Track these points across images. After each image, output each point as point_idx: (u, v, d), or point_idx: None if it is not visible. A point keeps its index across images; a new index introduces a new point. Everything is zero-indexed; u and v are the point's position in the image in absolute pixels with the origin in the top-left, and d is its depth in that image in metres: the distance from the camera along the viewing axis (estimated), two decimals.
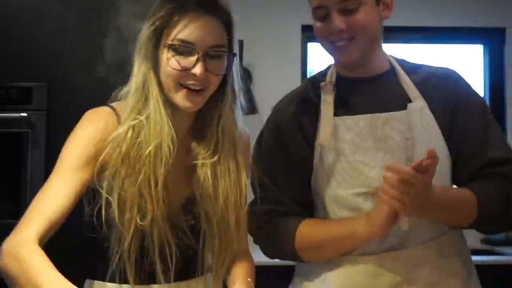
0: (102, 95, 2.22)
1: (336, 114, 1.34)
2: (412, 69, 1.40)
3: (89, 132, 1.16)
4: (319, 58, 3.59)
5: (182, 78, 1.14)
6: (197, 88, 1.15)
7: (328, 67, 1.45)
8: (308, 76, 3.35)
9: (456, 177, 1.35)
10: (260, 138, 1.45)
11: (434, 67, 1.44)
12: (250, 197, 1.33)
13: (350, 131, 1.32)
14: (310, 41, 3.40)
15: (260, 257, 2.01)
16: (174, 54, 1.14)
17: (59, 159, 1.15)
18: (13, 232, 1.07)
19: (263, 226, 1.39)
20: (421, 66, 1.44)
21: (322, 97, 1.36)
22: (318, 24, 1.32)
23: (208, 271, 1.28)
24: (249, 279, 1.25)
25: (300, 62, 3.36)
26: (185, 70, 1.13)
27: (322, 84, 1.37)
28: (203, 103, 1.21)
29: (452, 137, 1.33)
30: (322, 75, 1.43)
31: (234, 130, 1.25)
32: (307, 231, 1.33)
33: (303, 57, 3.39)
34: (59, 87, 2.39)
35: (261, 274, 1.53)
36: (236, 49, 1.24)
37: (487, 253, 2.96)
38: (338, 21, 1.25)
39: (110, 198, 1.14)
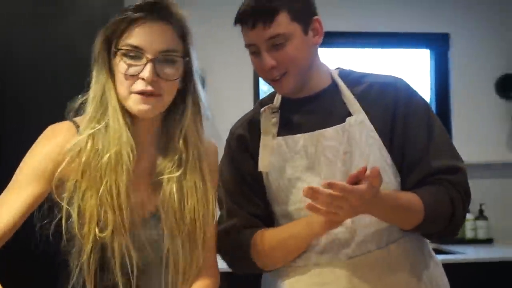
0: (52, 95, 2.26)
1: (280, 134, 1.36)
2: (355, 81, 1.40)
3: (47, 148, 1.16)
4: None
5: (132, 84, 1.13)
6: (148, 93, 1.14)
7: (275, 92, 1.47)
8: (260, 80, 3.42)
9: (403, 185, 1.34)
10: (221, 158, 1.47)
11: (378, 76, 1.44)
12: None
13: (291, 151, 1.34)
14: None
15: None
16: (123, 59, 1.13)
17: (15, 173, 1.15)
18: None
19: (224, 244, 1.40)
20: (365, 76, 1.43)
21: (262, 122, 1.39)
22: (253, 60, 1.33)
23: (172, 286, 1.24)
24: None
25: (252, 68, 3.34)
26: (134, 76, 1.12)
27: (261, 110, 1.40)
28: (160, 110, 1.20)
29: (394, 146, 1.33)
30: (270, 98, 1.45)
31: (198, 143, 1.24)
32: (258, 239, 1.35)
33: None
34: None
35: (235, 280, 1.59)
36: (193, 57, 1.23)
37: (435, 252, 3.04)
38: (268, 59, 1.27)
39: (70, 210, 1.13)
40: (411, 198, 1.24)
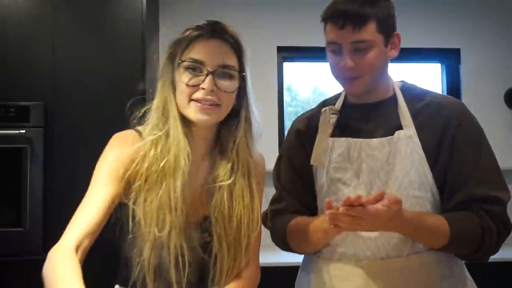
0: (96, 110, 2.40)
1: (333, 135, 1.39)
2: (415, 97, 1.39)
3: (118, 153, 1.19)
4: (293, 77, 3.70)
5: (193, 93, 1.18)
6: (208, 103, 1.17)
7: (339, 94, 1.49)
8: (285, 96, 3.55)
9: (442, 206, 1.33)
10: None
11: (437, 96, 1.42)
12: None
13: (337, 152, 1.37)
14: (285, 61, 3.48)
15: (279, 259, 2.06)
16: (186, 71, 1.18)
17: (92, 177, 1.19)
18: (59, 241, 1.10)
19: (269, 224, 1.47)
20: (426, 94, 1.41)
21: (320, 121, 1.42)
22: (330, 57, 1.35)
23: (216, 284, 1.27)
24: None
25: (276, 81, 3.41)
26: (195, 86, 1.17)
27: (323, 109, 1.43)
28: (217, 121, 1.24)
29: (438, 165, 1.31)
30: (333, 99, 1.49)
31: (248, 156, 1.27)
32: (293, 226, 1.41)
33: (279, 76, 3.42)
34: (55, 104, 2.48)
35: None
36: (247, 75, 1.27)
37: None
38: (349, 60, 1.28)
39: (136, 210, 1.17)
40: (437, 221, 1.24)
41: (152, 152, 1.18)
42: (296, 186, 1.47)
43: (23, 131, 2.43)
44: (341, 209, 1.10)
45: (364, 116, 1.39)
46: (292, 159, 1.48)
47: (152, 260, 1.19)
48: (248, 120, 1.27)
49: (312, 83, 4.00)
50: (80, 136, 2.40)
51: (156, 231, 1.16)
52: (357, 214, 1.10)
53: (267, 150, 1.47)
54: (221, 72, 1.19)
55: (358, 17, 1.26)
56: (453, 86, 3.54)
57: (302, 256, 1.55)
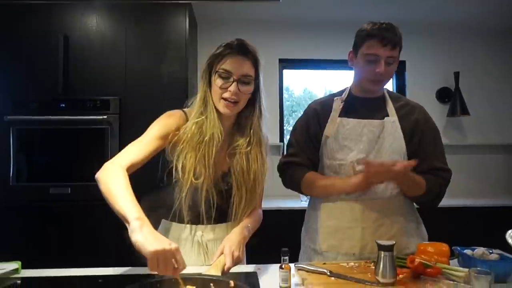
0: (155, 102, 2.46)
1: (341, 115, 1.45)
2: (396, 98, 1.49)
3: (167, 121, 1.24)
4: (291, 82, 3.71)
5: (223, 93, 1.22)
6: (232, 101, 1.22)
7: (345, 89, 1.53)
8: (284, 94, 3.49)
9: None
10: (297, 119, 1.57)
11: (409, 100, 1.52)
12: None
13: (345, 127, 1.43)
14: (284, 69, 3.42)
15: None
16: (219, 78, 1.22)
17: (145, 132, 1.22)
18: (112, 159, 1.13)
19: (283, 172, 1.54)
20: (401, 97, 1.53)
21: (333, 106, 1.48)
22: (366, 64, 1.38)
23: (235, 219, 1.31)
24: (249, 225, 1.29)
25: (278, 83, 3.37)
26: (225, 88, 1.21)
27: (335, 98, 1.49)
28: (237, 112, 1.28)
29: (411, 143, 1.42)
30: (339, 93, 1.53)
31: (259, 133, 1.31)
32: (308, 177, 1.46)
33: (280, 80, 3.39)
34: (127, 98, 2.54)
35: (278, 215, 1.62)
36: (261, 79, 1.29)
37: None
38: (384, 69, 1.34)
39: (177, 164, 1.21)
40: (420, 180, 1.37)
41: (194, 128, 1.22)
42: (309, 147, 1.50)
43: (105, 117, 2.50)
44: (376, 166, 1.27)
45: (364, 105, 1.46)
46: (309, 129, 1.50)
47: (188, 198, 1.23)
48: (260, 110, 1.31)
49: (303, 86, 4.05)
50: (144, 120, 2.38)
51: (193, 179, 1.21)
52: (393, 170, 1.25)
53: (271, 130, 1.50)
54: (243, 80, 1.23)
55: (395, 41, 1.34)
56: (401, 87, 3.50)
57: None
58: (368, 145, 1.41)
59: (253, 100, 1.29)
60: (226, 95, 1.22)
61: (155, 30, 2.61)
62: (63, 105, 2.50)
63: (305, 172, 1.49)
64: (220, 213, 1.29)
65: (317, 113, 1.51)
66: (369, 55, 1.36)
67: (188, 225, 1.28)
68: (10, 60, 2.51)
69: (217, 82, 1.23)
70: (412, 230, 1.45)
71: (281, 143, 3.26)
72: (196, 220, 1.28)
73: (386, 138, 1.41)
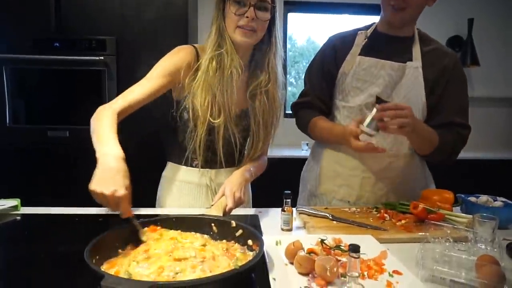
0: (153, 41, 2.36)
1: (361, 53, 1.33)
2: (426, 42, 1.35)
3: (175, 58, 1.18)
4: (294, 30, 3.49)
5: (239, 21, 1.14)
6: (249, 28, 1.14)
7: (372, 24, 1.40)
8: (287, 43, 3.34)
9: (426, 121, 1.32)
10: (315, 54, 1.47)
11: (442, 45, 1.39)
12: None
13: (360, 66, 1.32)
14: (289, 12, 3.26)
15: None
16: (234, 4, 1.14)
17: (152, 69, 1.17)
18: (109, 102, 1.10)
19: (295, 114, 1.49)
20: (433, 41, 1.37)
21: (356, 41, 1.36)
22: None
23: (244, 162, 1.30)
24: (251, 168, 1.26)
25: (282, 29, 3.21)
26: (241, 15, 1.13)
27: (358, 32, 1.37)
28: (255, 42, 1.19)
29: (432, 96, 1.31)
30: (365, 28, 1.40)
31: (276, 70, 1.25)
32: (313, 122, 1.41)
33: (284, 27, 3.23)
34: (124, 38, 2.42)
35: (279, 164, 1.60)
36: (277, 7, 1.20)
37: None
38: None
39: (194, 102, 1.17)
40: (434, 134, 1.26)
41: (211, 64, 1.16)
42: (322, 85, 1.41)
43: (102, 57, 2.40)
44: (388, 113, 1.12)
45: (388, 44, 1.33)
46: (324, 64, 1.41)
47: (203, 140, 1.20)
48: (276, 45, 1.24)
49: (306, 35, 3.79)
50: (142, 62, 2.37)
51: (210, 119, 1.17)
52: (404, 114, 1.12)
53: None
54: (260, 4, 1.14)
55: None
56: None
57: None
58: (382, 89, 1.30)
59: (269, 32, 1.21)
60: (242, 22, 1.14)
61: None
62: (57, 44, 2.40)
63: (314, 115, 1.43)
64: (229, 156, 1.27)
65: (335, 49, 1.40)
66: None
67: (199, 169, 1.26)
68: None
69: (232, 8, 1.14)
70: (417, 184, 1.39)
71: (283, 91, 3.17)
72: (209, 164, 1.27)
73: (404, 85, 1.30)
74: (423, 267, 0.82)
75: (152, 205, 1.38)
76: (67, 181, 2.47)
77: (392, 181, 1.36)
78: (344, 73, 1.36)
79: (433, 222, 1.09)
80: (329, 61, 1.40)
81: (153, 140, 1.66)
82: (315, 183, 1.46)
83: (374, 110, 1.13)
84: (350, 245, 0.63)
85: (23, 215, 1.21)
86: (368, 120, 1.15)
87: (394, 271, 0.81)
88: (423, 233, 1.02)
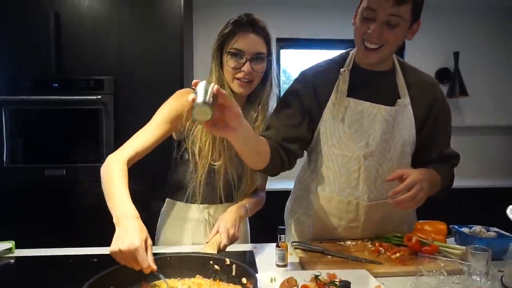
0: (150, 82, 2.42)
1: (348, 94, 1.20)
2: (409, 71, 1.26)
3: (176, 103, 1.19)
4: (288, 64, 3.58)
5: (236, 73, 1.18)
6: (246, 80, 1.18)
7: (347, 53, 1.27)
8: (282, 76, 3.37)
9: (417, 158, 1.28)
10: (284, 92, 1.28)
11: (424, 73, 1.29)
12: None
13: (353, 111, 1.19)
14: (282, 49, 3.36)
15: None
16: (231, 58, 1.18)
17: (154, 115, 1.18)
18: (115, 151, 1.10)
19: None
20: (414, 69, 1.28)
21: (341, 79, 1.20)
22: (361, 22, 1.12)
23: (239, 197, 1.31)
24: (247, 204, 1.27)
25: (277, 66, 3.35)
26: (238, 68, 1.17)
27: (342, 70, 1.20)
28: (251, 91, 1.24)
29: (423, 130, 1.25)
30: (342, 58, 1.26)
31: (266, 109, 1.27)
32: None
33: (277, 60, 3.23)
34: (122, 78, 2.47)
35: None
36: (273, 55, 1.23)
37: None
38: (379, 29, 1.07)
39: (194, 147, 1.20)
40: (438, 178, 1.19)
41: None
42: (292, 126, 1.20)
43: (99, 97, 2.45)
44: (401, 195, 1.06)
45: (370, 82, 1.21)
46: (303, 100, 1.22)
47: (203, 180, 1.23)
48: (271, 87, 1.28)
49: (301, 68, 3.90)
50: (139, 100, 2.42)
51: (211, 162, 1.20)
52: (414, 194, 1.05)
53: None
54: (256, 58, 1.18)
55: None
56: None
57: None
58: (379, 135, 1.20)
59: (265, 77, 1.25)
60: (239, 75, 1.18)
61: (150, 8, 2.53)
62: (56, 84, 2.45)
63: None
64: (228, 193, 1.29)
65: (314, 86, 1.23)
66: (366, 9, 1.08)
67: (198, 205, 1.28)
68: (0, 39, 2.45)
69: (230, 62, 1.19)
70: (410, 218, 1.39)
71: None
72: (209, 200, 1.28)
73: (397, 127, 1.21)
74: None
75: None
76: (64, 219, 2.46)
77: (390, 223, 1.32)
78: (332, 117, 1.21)
79: (427, 255, 1.09)
80: (308, 100, 1.22)
81: (151, 177, 1.65)
82: (304, 236, 1.36)
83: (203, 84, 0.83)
84: (341, 281, 0.64)
85: (17, 258, 1.19)
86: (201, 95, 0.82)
87: None
88: (418, 266, 1.02)
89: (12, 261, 1.18)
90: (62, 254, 1.21)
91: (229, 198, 1.31)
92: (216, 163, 1.21)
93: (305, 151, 1.34)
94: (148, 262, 0.82)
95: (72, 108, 2.46)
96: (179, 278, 0.91)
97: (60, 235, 2.39)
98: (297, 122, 1.21)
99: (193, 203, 1.28)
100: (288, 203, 1.49)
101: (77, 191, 2.46)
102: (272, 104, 1.30)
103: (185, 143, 1.24)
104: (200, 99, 0.78)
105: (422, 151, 1.28)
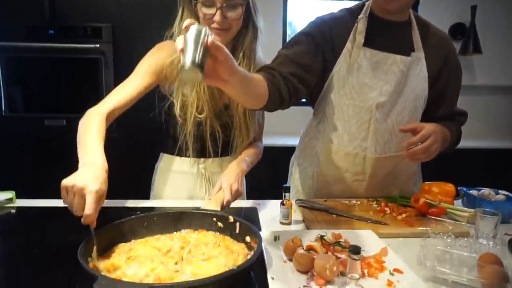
0: (148, 28, 2.31)
1: (364, 43, 1.17)
2: (423, 25, 1.23)
3: (156, 55, 1.16)
4: (294, 16, 3.38)
5: (209, 23, 1.11)
6: (221, 28, 1.12)
7: (363, 3, 1.23)
8: (288, 28, 3.18)
9: (425, 114, 1.26)
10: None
11: (438, 29, 1.27)
12: None
13: (368, 60, 1.17)
14: None
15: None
16: (202, 6, 1.11)
17: (134, 70, 1.15)
18: (97, 105, 1.07)
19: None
20: (429, 24, 1.26)
21: (358, 27, 1.17)
22: None
23: (236, 151, 1.29)
24: (247, 158, 1.24)
25: (281, 20, 3.12)
26: (210, 19, 1.11)
27: (359, 17, 1.18)
28: (230, 39, 1.17)
29: (435, 86, 1.23)
30: (358, 8, 1.23)
31: (254, 56, 1.21)
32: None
33: (284, 14, 3.12)
34: (120, 26, 2.37)
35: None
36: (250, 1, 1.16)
37: None
38: None
39: (177, 101, 1.17)
40: (448, 133, 1.19)
41: None
42: (303, 60, 1.14)
43: (98, 45, 2.34)
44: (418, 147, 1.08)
45: (389, 32, 1.19)
46: (318, 43, 1.18)
47: (191, 133, 1.20)
48: (253, 31, 1.20)
49: (308, 20, 3.72)
50: (139, 49, 2.27)
51: (196, 114, 1.17)
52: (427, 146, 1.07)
53: None
54: (228, 4, 1.10)
55: None
56: None
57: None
58: (393, 86, 1.18)
59: (246, 21, 1.18)
60: (214, 25, 1.11)
61: None
62: (52, 31, 2.34)
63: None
64: (224, 146, 1.27)
65: (331, 32, 1.19)
66: None
67: (191, 158, 1.27)
68: None
69: (201, 12, 1.12)
70: (417, 177, 1.38)
71: None
72: (200, 153, 1.27)
73: (410, 80, 1.20)
74: (425, 266, 0.80)
75: (145, 197, 1.37)
76: (64, 171, 2.46)
77: (397, 178, 1.31)
78: (347, 65, 1.19)
79: (433, 217, 1.07)
80: (324, 44, 1.18)
81: (145, 132, 1.62)
82: (311, 186, 1.35)
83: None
84: (351, 246, 0.61)
85: (17, 208, 1.19)
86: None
87: (395, 270, 0.79)
88: (424, 228, 1.01)
89: (13, 211, 1.17)
90: (62, 205, 1.20)
91: (222, 152, 1.28)
92: (200, 116, 1.18)
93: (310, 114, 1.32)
94: (92, 210, 0.77)
95: (70, 57, 2.37)
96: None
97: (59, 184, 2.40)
98: (307, 62, 1.15)
99: (186, 156, 1.27)
100: (293, 157, 1.48)
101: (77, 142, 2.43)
102: (259, 52, 1.24)
103: (171, 96, 1.20)
104: (189, 58, 0.63)
105: (431, 107, 1.26)
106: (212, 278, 0.64)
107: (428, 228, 0.98)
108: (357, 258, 0.60)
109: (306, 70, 1.14)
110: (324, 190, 1.31)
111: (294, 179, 1.42)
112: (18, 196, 1.24)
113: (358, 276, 0.60)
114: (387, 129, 1.21)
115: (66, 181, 0.79)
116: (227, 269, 0.72)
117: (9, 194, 1.22)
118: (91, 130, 0.97)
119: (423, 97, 1.23)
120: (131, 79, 1.13)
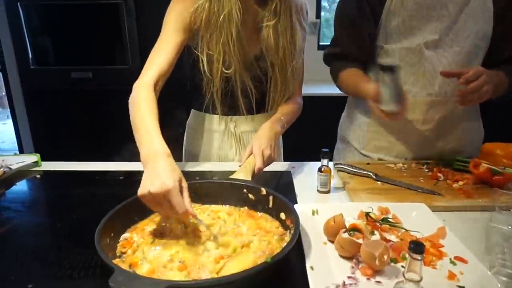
0: None
1: None
2: None
3: (180, 7, 1.05)
4: None
5: None
6: None
7: None
8: None
9: (490, 54, 1.12)
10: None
11: None
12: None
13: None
14: None
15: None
16: None
17: (162, 26, 1.05)
18: (139, 76, 0.99)
19: (328, 64, 1.29)
20: None
21: None
22: None
23: (272, 108, 1.19)
24: (282, 117, 1.12)
25: None
26: None
27: None
28: None
29: (502, 24, 1.07)
30: None
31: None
32: (342, 78, 1.22)
33: None
34: None
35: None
36: None
37: None
38: None
39: (202, 55, 1.07)
40: (504, 78, 1.07)
41: (207, 5, 1.01)
42: (357, 32, 1.14)
43: None
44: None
45: None
46: (362, 3, 1.12)
47: (220, 90, 1.11)
48: None
49: None
50: None
51: (224, 69, 1.07)
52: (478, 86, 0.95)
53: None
54: None
55: None
56: None
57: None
58: (444, 23, 1.06)
59: None
60: None
61: None
62: None
63: (345, 66, 1.21)
64: (259, 103, 1.17)
65: None
66: None
67: (220, 116, 1.19)
68: None
69: None
70: (475, 131, 1.23)
71: (318, 20, 2.88)
72: (231, 111, 1.19)
73: (470, 17, 1.06)
74: (491, 251, 0.68)
75: (179, 156, 1.32)
76: (91, 124, 2.45)
77: (455, 128, 1.17)
78: (393, 9, 1.08)
79: (498, 186, 0.92)
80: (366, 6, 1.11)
81: (177, 90, 1.56)
82: (359, 139, 1.27)
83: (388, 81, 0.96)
84: (411, 242, 0.50)
85: (44, 173, 1.15)
86: (385, 97, 0.99)
87: (456, 258, 0.67)
88: (488, 200, 0.87)
89: (39, 175, 1.14)
90: (88, 170, 1.16)
91: (256, 109, 1.19)
92: (228, 71, 1.08)
93: None
94: (184, 206, 0.70)
95: (89, 3, 2.26)
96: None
97: (88, 143, 2.41)
98: (365, 42, 1.15)
99: (215, 114, 1.20)
100: (344, 113, 1.40)
101: (104, 94, 2.39)
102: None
103: (197, 51, 1.09)
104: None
105: (492, 49, 1.11)
106: (239, 274, 0.55)
107: (494, 202, 0.84)
108: (420, 259, 0.49)
109: (364, 46, 1.15)
110: (375, 142, 1.23)
111: (343, 129, 1.36)
112: (45, 152, 1.21)
113: (419, 279, 0.50)
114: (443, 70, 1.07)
115: (142, 193, 0.71)
116: (259, 253, 0.65)
117: (34, 157, 1.20)
118: (143, 112, 0.89)
119: (486, 36, 1.08)
120: (163, 41, 1.03)
